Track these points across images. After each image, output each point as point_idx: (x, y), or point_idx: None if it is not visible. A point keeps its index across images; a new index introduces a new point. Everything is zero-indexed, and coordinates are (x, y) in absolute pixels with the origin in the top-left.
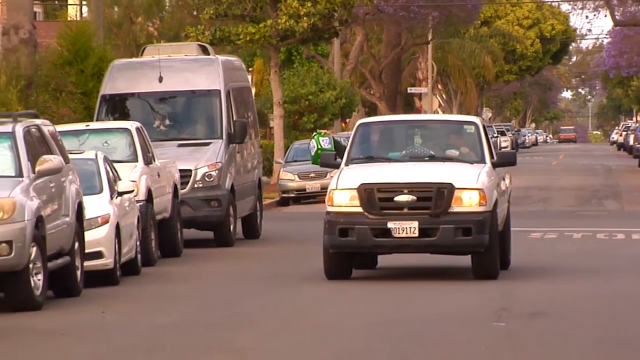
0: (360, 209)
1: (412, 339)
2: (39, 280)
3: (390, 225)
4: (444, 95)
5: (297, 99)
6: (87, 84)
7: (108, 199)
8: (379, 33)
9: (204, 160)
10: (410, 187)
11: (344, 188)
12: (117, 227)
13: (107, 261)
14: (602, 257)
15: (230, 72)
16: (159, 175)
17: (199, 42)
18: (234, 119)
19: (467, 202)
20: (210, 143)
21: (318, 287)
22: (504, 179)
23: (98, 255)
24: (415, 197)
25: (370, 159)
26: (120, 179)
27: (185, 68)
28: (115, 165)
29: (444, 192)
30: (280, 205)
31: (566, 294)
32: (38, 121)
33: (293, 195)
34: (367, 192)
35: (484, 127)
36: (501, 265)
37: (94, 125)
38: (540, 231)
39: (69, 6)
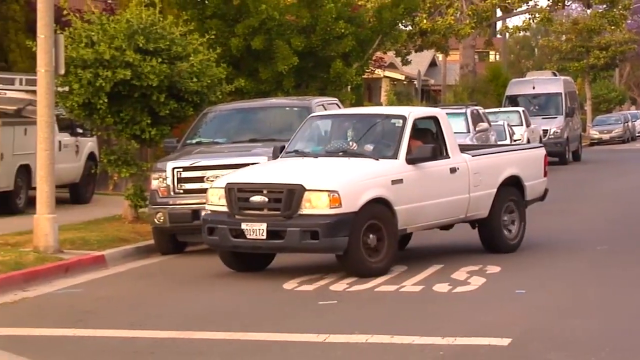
0: (226, 209)
1: None
2: None
3: (243, 226)
4: None
5: (599, 96)
6: (499, 90)
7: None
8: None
9: (554, 125)
10: (265, 188)
11: (216, 187)
12: None
13: None
14: None
15: (566, 83)
16: (533, 132)
17: (551, 70)
18: (568, 105)
19: (317, 204)
20: (557, 117)
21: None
22: (457, 169)
23: None
24: (266, 199)
25: (296, 152)
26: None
27: (547, 83)
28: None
29: (294, 193)
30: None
31: None
32: (476, 107)
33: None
34: (230, 192)
35: (415, 120)
36: (507, 248)
37: (501, 110)
38: None
39: (490, 55)
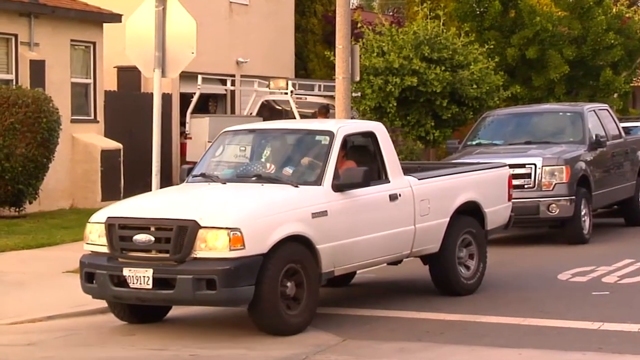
0: (107, 250)
1: None
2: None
3: (126, 272)
4: None
5: None
6: None
7: None
8: None
9: None
10: (152, 224)
11: (96, 221)
12: None
13: None
14: None
15: None
16: None
17: None
18: None
19: (214, 244)
20: None
21: None
22: (399, 195)
23: None
24: (153, 238)
25: (202, 176)
26: None
27: None
28: None
29: (186, 231)
30: None
31: None
32: None
33: None
34: (110, 229)
35: (347, 137)
36: (453, 290)
37: None
38: None
39: None
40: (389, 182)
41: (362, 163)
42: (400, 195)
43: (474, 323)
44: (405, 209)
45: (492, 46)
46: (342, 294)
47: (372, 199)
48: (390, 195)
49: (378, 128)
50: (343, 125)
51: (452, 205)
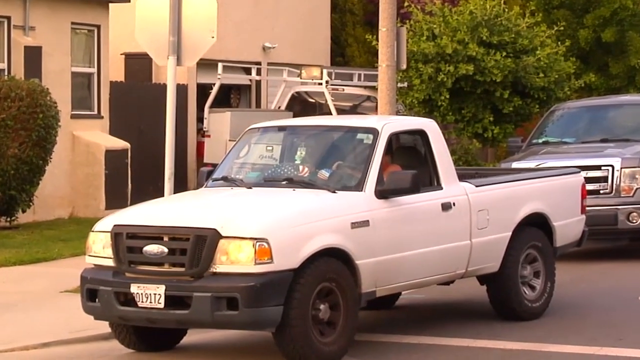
0: (113, 263)
1: None
2: None
3: (134, 288)
4: None
5: None
6: None
7: None
8: None
9: None
10: (165, 233)
11: (100, 230)
12: None
13: None
14: None
15: None
16: None
17: None
18: None
19: (236, 257)
20: None
21: None
22: (452, 204)
23: None
24: (166, 249)
25: (224, 180)
26: None
27: None
28: None
29: (205, 241)
30: None
31: None
32: None
33: None
34: (117, 238)
35: (393, 136)
36: (510, 315)
37: None
38: None
39: None
40: (442, 188)
41: (410, 166)
42: (454, 204)
43: (540, 353)
44: (460, 221)
45: (561, 28)
46: (385, 318)
47: (422, 208)
48: (442, 204)
49: (430, 126)
50: (389, 122)
51: (515, 218)
